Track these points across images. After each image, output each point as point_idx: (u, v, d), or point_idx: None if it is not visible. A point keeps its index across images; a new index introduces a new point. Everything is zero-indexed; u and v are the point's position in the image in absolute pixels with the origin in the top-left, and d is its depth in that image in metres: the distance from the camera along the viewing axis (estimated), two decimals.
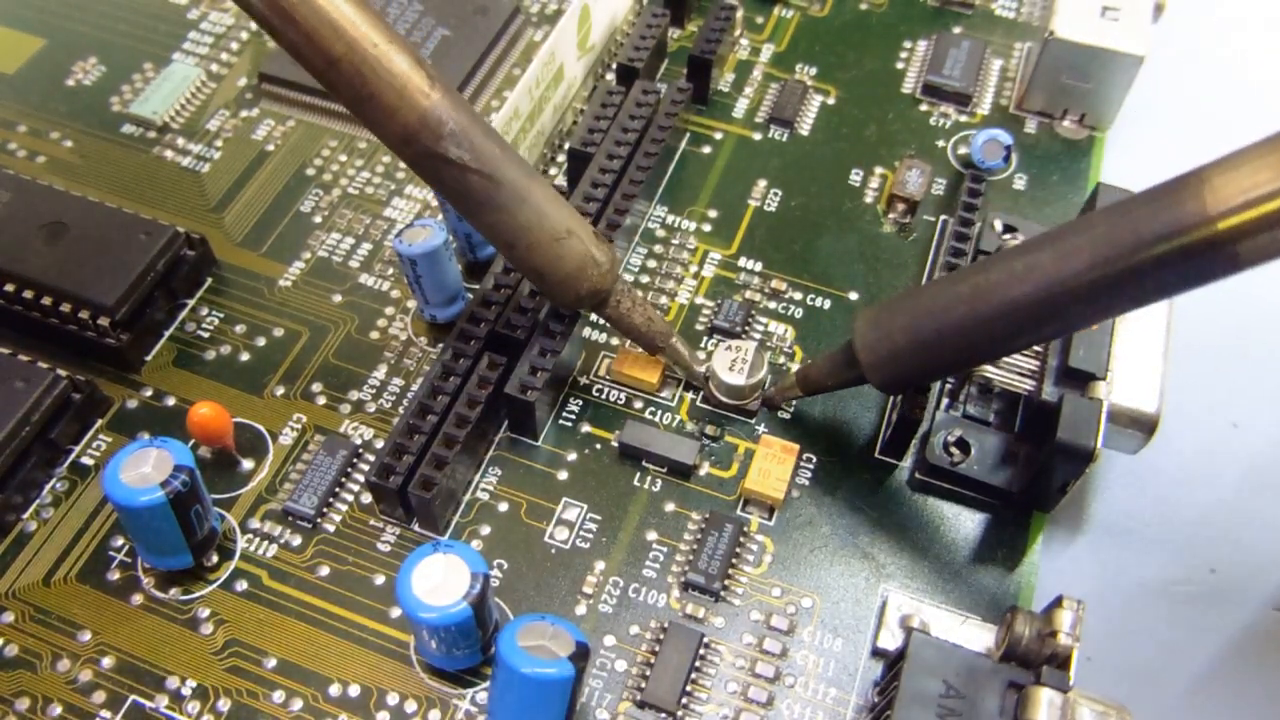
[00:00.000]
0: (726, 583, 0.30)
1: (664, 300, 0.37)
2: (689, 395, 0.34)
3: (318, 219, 0.39)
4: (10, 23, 0.45)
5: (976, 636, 0.29)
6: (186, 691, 0.29)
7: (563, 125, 0.41)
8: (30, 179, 0.37)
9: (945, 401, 0.33)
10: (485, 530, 0.32)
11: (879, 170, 0.40)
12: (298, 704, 0.29)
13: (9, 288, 0.34)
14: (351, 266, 0.37)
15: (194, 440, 0.32)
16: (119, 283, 0.34)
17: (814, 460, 0.33)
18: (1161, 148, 0.42)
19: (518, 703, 0.26)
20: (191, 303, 0.36)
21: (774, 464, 0.32)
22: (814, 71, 0.43)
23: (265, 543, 0.31)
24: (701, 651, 0.29)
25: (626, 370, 0.34)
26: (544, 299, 0.33)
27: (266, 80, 0.42)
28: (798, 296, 0.37)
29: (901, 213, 0.39)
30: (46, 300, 0.34)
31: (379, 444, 0.33)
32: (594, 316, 0.35)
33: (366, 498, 0.32)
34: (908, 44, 0.45)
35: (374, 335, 0.36)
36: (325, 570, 0.31)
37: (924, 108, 0.42)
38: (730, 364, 0.33)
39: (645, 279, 0.37)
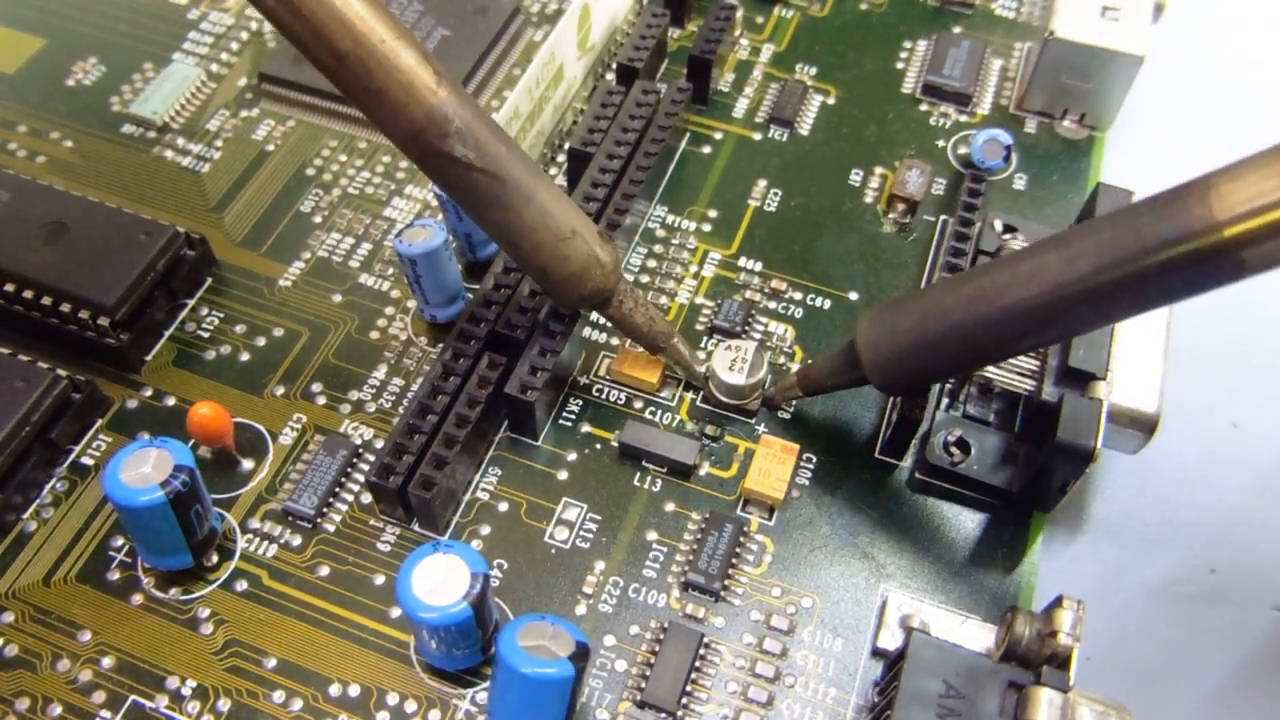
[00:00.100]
0: (726, 583, 0.30)
1: (664, 300, 0.37)
2: (689, 395, 0.34)
3: (318, 219, 0.39)
4: (10, 23, 0.45)
5: (976, 636, 0.29)
6: (186, 691, 0.29)
7: (563, 125, 0.41)
8: (30, 179, 0.37)
9: (945, 401, 0.33)
10: (485, 530, 0.32)
11: (879, 170, 0.40)
12: (298, 704, 0.29)
13: (9, 288, 0.34)
14: (351, 266, 0.37)
15: (194, 440, 0.32)
16: (119, 283, 0.34)
17: (814, 460, 0.33)
18: (1161, 148, 0.42)
19: (518, 703, 0.26)
20: (191, 303, 0.36)
21: (774, 464, 0.32)
22: (814, 71, 0.43)
23: (265, 543, 0.31)
24: (701, 651, 0.29)
25: (626, 370, 0.34)
26: (544, 299, 0.33)
27: (266, 80, 0.42)
28: (798, 296, 0.37)
29: (901, 213, 0.39)
30: (46, 300, 0.34)
31: (379, 444, 0.33)
32: (594, 316, 0.35)
33: (366, 498, 0.32)
34: (908, 44, 0.45)
35: (374, 335, 0.36)
36: (325, 570, 0.31)
37: (924, 108, 0.42)
38: (730, 364, 0.33)
39: (645, 279, 0.37)
